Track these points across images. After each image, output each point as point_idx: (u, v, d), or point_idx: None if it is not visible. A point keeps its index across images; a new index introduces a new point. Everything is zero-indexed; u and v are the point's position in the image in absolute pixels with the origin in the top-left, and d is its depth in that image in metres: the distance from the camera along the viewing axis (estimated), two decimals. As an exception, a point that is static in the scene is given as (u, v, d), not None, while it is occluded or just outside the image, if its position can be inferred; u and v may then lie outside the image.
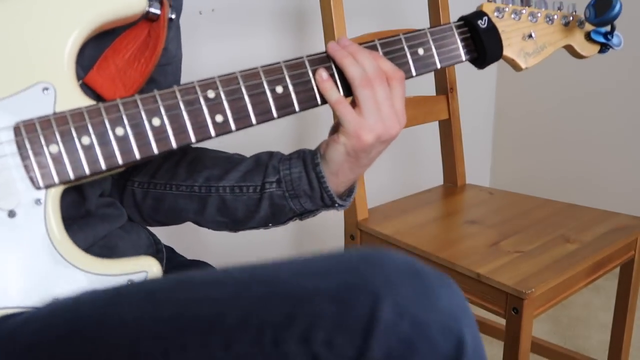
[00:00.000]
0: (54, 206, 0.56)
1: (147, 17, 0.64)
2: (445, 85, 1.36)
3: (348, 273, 0.48)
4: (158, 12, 0.63)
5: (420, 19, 1.43)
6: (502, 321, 1.02)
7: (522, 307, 0.94)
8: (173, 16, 0.65)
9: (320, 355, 0.45)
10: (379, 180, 1.79)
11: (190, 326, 0.48)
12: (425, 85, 1.40)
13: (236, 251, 1.54)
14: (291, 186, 0.70)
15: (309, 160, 0.69)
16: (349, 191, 0.73)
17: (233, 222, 0.75)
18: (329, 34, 1.14)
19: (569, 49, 0.84)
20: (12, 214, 0.55)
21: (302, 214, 0.73)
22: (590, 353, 1.50)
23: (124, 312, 0.51)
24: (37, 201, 0.55)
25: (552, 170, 2.08)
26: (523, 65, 0.80)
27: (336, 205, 0.71)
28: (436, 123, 1.40)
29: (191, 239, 1.25)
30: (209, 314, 0.48)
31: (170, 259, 0.78)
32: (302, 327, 0.46)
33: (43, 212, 0.56)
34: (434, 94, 1.38)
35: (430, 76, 1.38)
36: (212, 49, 1.41)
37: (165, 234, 0.83)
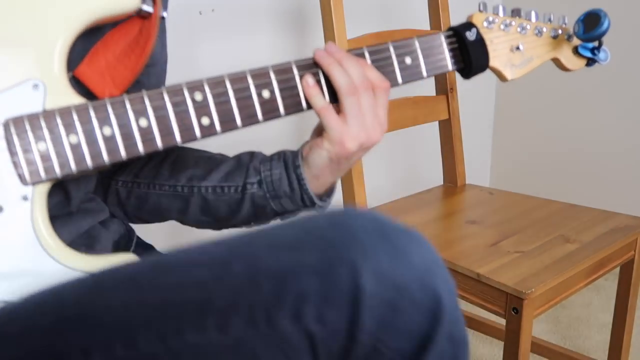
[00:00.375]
0: (41, 202, 0.57)
1: (140, 14, 0.64)
2: (445, 86, 1.36)
3: (323, 244, 0.48)
4: (150, 9, 0.63)
5: (420, 19, 1.43)
6: (502, 321, 1.02)
7: (522, 307, 0.94)
8: (165, 14, 0.66)
9: (315, 332, 0.46)
10: (379, 180, 1.79)
11: (182, 311, 0.48)
12: (425, 85, 1.40)
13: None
14: (272, 187, 0.71)
15: (290, 162, 0.70)
16: (329, 192, 0.74)
17: (216, 220, 0.77)
18: (329, 34, 1.14)
19: (556, 61, 0.85)
20: None
21: (283, 214, 0.74)
22: (590, 353, 1.50)
23: (108, 297, 0.50)
24: (24, 197, 0.56)
25: (552, 171, 2.08)
26: (509, 77, 0.81)
27: (316, 206, 0.72)
28: (436, 123, 1.40)
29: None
30: (197, 297, 0.48)
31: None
32: (291, 304, 0.46)
33: (30, 207, 0.56)
34: (434, 94, 1.38)
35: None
36: (212, 49, 1.41)
37: (144, 231, 0.83)
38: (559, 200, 1.27)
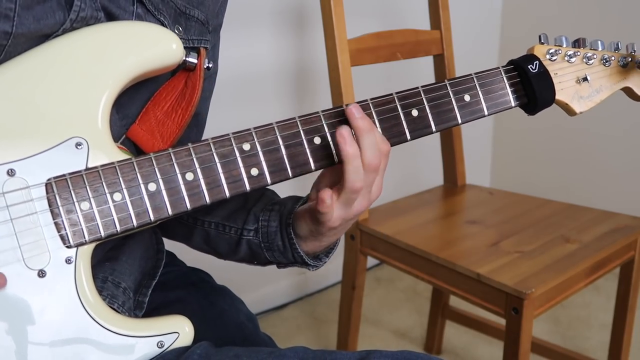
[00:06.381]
0: (85, 264, 0.55)
1: (185, 67, 0.63)
2: (445, 85, 1.36)
3: None
4: (195, 61, 0.62)
5: (420, 19, 1.43)
6: (502, 321, 1.02)
7: (522, 307, 0.94)
8: (211, 65, 0.64)
9: None
10: (379, 180, 1.79)
11: None
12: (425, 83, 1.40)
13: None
14: (267, 239, 0.70)
15: (284, 218, 0.69)
16: (327, 251, 0.71)
17: (217, 253, 0.76)
18: (329, 34, 1.14)
19: (627, 91, 0.80)
20: (42, 273, 0.53)
21: (279, 264, 0.73)
22: (590, 353, 1.50)
23: None
24: (68, 260, 0.54)
25: (552, 171, 2.08)
26: (578, 110, 0.76)
27: (309, 265, 0.70)
28: (436, 123, 1.40)
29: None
30: None
31: (168, 264, 0.78)
32: None
33: (73, 271, 0.54)
34: (434, 94, 1.38)
35: (431, 75, 1.39)
36: (212, 49, 1.41)
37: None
38: (559, 200, 1.27)
